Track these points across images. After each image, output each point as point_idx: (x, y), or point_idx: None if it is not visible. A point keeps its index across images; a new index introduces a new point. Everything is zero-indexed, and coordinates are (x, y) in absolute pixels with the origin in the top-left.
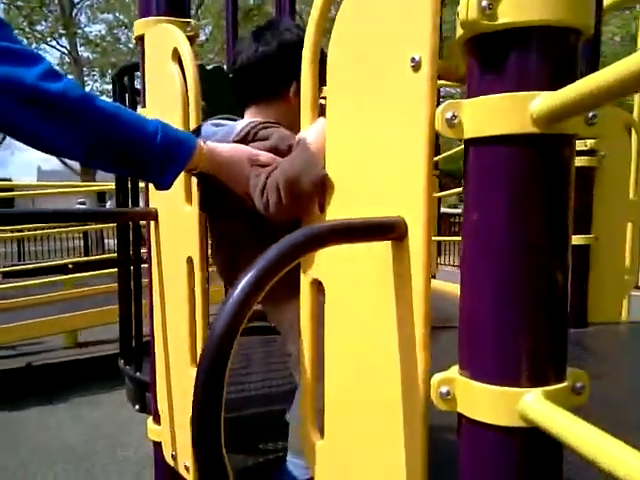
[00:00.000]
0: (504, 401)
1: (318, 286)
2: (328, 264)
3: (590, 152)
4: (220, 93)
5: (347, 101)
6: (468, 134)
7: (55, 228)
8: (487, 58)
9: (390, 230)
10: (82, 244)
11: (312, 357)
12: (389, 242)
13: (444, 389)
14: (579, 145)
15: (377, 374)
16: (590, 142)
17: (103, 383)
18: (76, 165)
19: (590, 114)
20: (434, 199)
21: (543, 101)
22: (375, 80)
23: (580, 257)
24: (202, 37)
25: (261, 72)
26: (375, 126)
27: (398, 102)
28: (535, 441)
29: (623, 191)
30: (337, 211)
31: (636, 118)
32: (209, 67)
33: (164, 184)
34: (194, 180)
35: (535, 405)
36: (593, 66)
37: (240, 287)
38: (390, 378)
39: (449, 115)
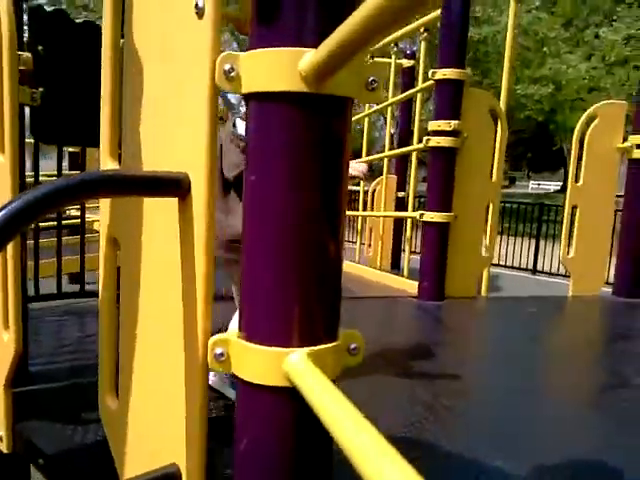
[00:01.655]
0: (272, 361)
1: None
2: (124, 222)
3: (453, 133)
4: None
5: (142, 50)
6: (245, 89)
7: None
8: (265, 10)
9: (173, 186)
10: None
11: (110, 321)
12: (176, 199)
13: (219, 350)
14: (443, 126)
15: (163, 334)
16: (454, 123)
17: None
18: None
19: (370, 78)
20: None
21: (309, 58)
22: (164, 28)
23: (440, 234)
24: None
25: None
26: (165, 76)
27: (184, 51)
28: (301, 400)
29: (484, 173)
30: (130, 163)
31: (502, 105)
32: (79, 21)
33: None
34: (7, 125)
35: (296, 365)
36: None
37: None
38: (174, 339)
39: (227, 67)
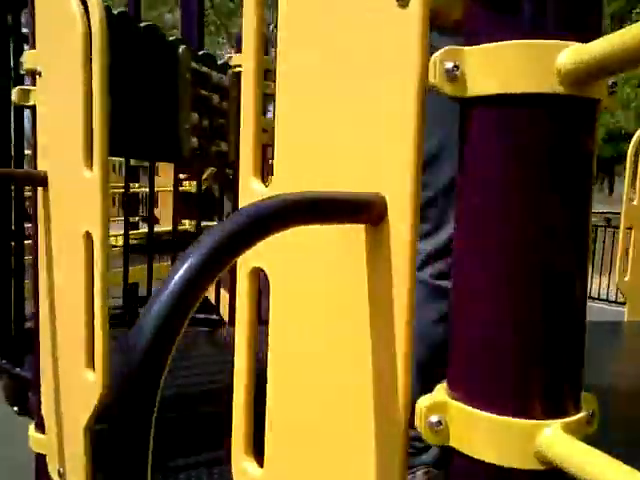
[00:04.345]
0: (516, 436)
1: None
2: (273, 249)
3: None
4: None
5: (306, 50)
6: (472, 91)
7: None
8: None
9: (365, 210)
10: None
11: (249, 365)
12: (355, 226)
13: (435, 418)
14: None
15: (336, 390)
16: None
17: None
18: None
19: (610, 81)
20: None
21: (572, 54)
22: (347, 20)
23: None
24: None
25: None
26: (346, 79)
27: (377, 48)
28: None
29: None
30: (285, 185)
31: None
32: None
33: None
34: (97, 138)
35: (557, 442)
36: None
37: (172, 285)
38: (354, 398)
39: (449, 65)
